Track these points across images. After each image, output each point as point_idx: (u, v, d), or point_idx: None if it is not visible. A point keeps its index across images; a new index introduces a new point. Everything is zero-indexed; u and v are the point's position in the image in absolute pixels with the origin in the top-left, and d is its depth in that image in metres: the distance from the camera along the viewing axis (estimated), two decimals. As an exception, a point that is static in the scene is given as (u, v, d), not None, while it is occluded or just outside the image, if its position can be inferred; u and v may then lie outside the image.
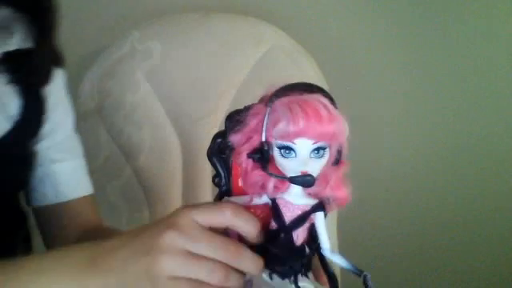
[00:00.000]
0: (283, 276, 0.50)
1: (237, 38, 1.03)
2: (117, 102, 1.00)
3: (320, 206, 0.50)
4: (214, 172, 0.59)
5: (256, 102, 0.59)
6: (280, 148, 0.48)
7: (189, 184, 0.98)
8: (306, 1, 1.21)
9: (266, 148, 0.49)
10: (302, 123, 0.46)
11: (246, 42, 1.03)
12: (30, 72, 0.69)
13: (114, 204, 1.00)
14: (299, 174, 0.47)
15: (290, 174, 0.48)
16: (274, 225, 0.51)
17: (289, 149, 0.47)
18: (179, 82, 1.01)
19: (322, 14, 1.20)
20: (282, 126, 0.47)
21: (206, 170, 0.99)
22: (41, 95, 0.71)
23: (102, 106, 1.00)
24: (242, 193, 0.57)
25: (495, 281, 1.33)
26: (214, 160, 0.57)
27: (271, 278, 0.50)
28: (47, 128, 0.73)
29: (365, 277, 0.50)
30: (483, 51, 1.24)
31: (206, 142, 0.59)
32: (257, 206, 0.52)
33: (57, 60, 0.73)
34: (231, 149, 0.57)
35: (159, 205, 0.96)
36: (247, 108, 0.58)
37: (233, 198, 0.55)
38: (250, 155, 0.50)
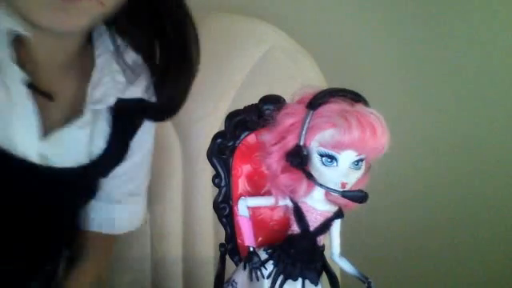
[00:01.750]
0: (314, 281, 0.50)
1: (237, 38, 1.03)
2: (117, 102, 1.00)
3: (340, 213, 0.50)
4: (214, 172, 0.59)
5: (256, 102, 0.59)
6: (322, 155, 0.47)
7: (189, 184, 0.98)
8: (306, 1, 1.21)
9: (305, 153, 0.47)
10: (357, 135, 0.44)
11: (246, 42, 1.03)
12: (131, 120, 0.69)
13: (114, 204, 1.00)
14: (338, 184, 0.46)
15: (327, 183, 0.47)
16: (295, 229, 0.51)
17: (332, 157, 0.46)
18: (179, 82, 1.01)
19: (322, 13, 1.20)
20: (333, 135, 0.45)
21: (206, 170, 0.99)
22: (126, 143, 0.72)
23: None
24: (243, 193, 0.57)
25: (498, 282, 1.33)
26: (214, 160, 0.57)
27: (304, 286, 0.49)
28: (119, 170, 0.73)
29: (369, 283, 0.50)
30: (484, 51, 1.24)
31: (206, 142, 0.59)
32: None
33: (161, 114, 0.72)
34: (231, 149, 0.57)
35: (159, 205, 0.96)
36: (247, 109, 0.58)
37: (254, 199, 0.55)
38: (289, 159, 0.48)
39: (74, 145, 0.64)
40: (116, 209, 0.78)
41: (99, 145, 0.67)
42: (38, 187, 0.64)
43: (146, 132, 0.75)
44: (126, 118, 0.68)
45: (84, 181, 0.70)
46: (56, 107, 0.62)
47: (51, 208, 0.67)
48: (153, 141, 0.78)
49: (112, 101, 0.65)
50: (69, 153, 0.64)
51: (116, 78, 0.66)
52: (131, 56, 0.67)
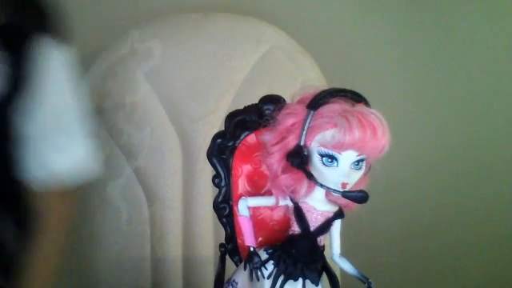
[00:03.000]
0: (315, 281, 0.50)
1: (237, 38, 1.03)
2: (117, 102, 1.00)
3: (340, 213, 0.50)
4: (214, 172, 0.59)
5: (256, 101, 0.59)
6: (322, 155, 0.47)
7: (189, 184, 0.98)
8: (306, 1, 1.21)
9: (306, 153, 0.47)
10: (358, 135, 0.44)
11: (246, 42, 1.03)
12: (19, 52, 0.66)
13: (113, 204, 1.00)
14: (339, 184, 0.46)
15: (327, 183, 0.47)
16: (295, 229, 0.51)
17: (332, 158, 0.46)
18: (179, 81, 1.01)
19: (322, 14, 1.20)
20: (334, 135, 0.45)
21: (206, 170, 0.99)
22: (28, 78, 0.67)
23: (102, 106, 1.00)
24: (243, 193, 0.57)
25: (498, 282, 1.33)
26: (214, 161, 0.57)
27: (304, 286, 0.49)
28: (39, 113, 0.68)
29: (369, 283, 0.50)
30: (484, 51, 1.24)
31: (206, 142, 0.59)
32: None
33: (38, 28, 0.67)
34: (231, 149, 0.57)
35: (159, 205, 0.96)
36: (247, 109, 0.58)
37: (255, 198, 0.55)
38: (289, 159, 0.48)
39: None
40: (52, 158, 0.71)
41: None
42: None
43: (55, 69, 0.70)
44: (13, 52, 0.65)
45: None
46: None
47: None
48: (72, 82, 0.73)
49: None
50: None
51: None
52: None
